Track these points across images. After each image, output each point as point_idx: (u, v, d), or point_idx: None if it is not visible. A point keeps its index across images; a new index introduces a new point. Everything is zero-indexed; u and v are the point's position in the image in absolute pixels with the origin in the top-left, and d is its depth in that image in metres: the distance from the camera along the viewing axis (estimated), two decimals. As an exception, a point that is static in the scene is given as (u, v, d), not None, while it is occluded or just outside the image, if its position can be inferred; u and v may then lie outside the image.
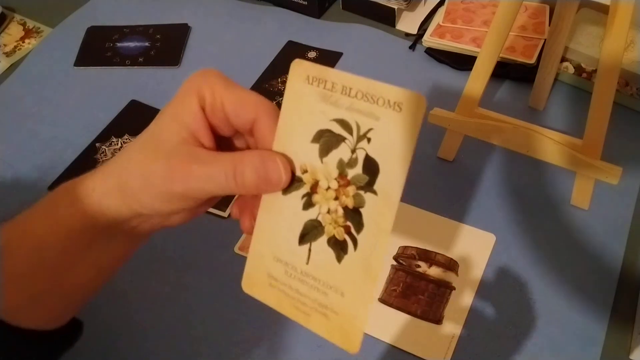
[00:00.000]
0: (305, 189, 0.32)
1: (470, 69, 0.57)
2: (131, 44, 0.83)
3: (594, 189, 0.60)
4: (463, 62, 0.75)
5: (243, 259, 0.35)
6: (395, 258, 0.59)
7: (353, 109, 0.30)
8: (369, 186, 0.30)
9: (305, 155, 0.31)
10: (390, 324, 0.54)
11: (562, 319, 0.54)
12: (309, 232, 0.32)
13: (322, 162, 0.31)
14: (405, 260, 0.58)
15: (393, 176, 0.29)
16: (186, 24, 0.85)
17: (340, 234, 0.31)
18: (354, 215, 0.30)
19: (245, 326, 0.55)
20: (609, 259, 0.58)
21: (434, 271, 0.57)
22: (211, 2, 0.88)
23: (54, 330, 0.38)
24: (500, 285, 0.56)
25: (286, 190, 0.32)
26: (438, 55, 0.77)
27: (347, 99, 0.30)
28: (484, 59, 0.56)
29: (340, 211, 0.31)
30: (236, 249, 0.60)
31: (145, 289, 0.58)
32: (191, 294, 0.57)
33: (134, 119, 0.74)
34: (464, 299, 0.56)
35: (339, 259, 0.31)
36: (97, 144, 0.71)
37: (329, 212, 0.31)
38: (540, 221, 0.61)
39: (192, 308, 0.57)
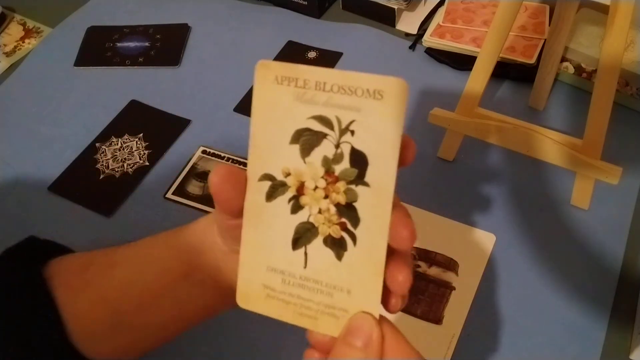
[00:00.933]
0: (291, 193, 0.30)
1: (470, 69, 0.57)
2: (131, 44, 0.83)
3: (594, 189, 0.60)
4: (463, 62, 0.75)
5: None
6: (395, 258, 0.58)
7: (331, 103, 0.29)
8: (359, 179, 0.29)
9: (286, 158, 0.30)
10: (390, 324, 0.54)
11: (562, 319, 0.54)
12: (302, 236, 0.31)
13: (305, 162, 0.30)
14: (405, 260, 0.58)
15: (384, 165, 0.29)
16: (186, 24, 0.85)
17: (337, 232, 0.30)
18: (347, 211, 0.30)
19: (245, 326, 0.55)
20: (609, 259, 0.58)
21: (434, 271, 0.57)
22: (211, 2, 0.88)
23: None
24: (500, 285, 0.56)
25: (270, 196, 0.31)
26: (438, 55, 0.77)
27: (323, 94, 0.29)
28: (484, 59, 0.56)
29: (333, 209, 0.30)
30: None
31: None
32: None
33: (134, 119, 0.74)
34: (464, 299, 0.56)
35: (339, 257, 0.30)
36: (97, 144, 0.71)
37: (320, 212, 0.30)
38: (540, 221, 0.61)
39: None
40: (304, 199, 0.30)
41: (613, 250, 0.58)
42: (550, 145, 0.57)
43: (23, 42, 0.85)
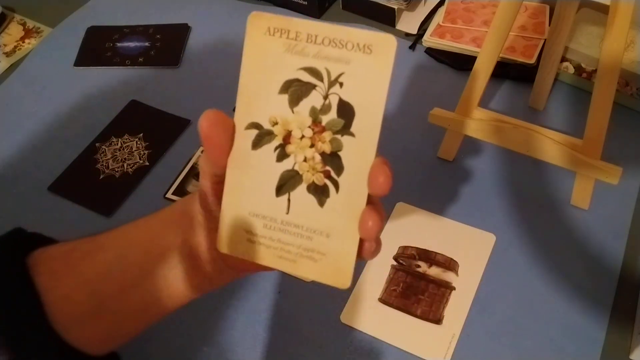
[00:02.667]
0: (277, 141, 0.31)
1: (470, 69, 0.57)
2: (131, 44, 0.83)
3: (594, 189, 0.60)
4: (463, 62, 0.74)
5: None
6: (395, 258, 0.59)
7: (321, 56, 0.30)
8: (345, 129, 0.30)
9: (274, 107, 0.31)
10: (390, 324, 0.54)
11: (562, 319, 0.54)
12: (286, 183, 0.32)
13: (293, 112, 0.31)
14: (405, 260, 0.58)
15: (370, 117, 0.30)
16: (186, 24, 0.85)
17: (320, 180, 0.31)
18: (332, 159, 0.31)
19: (245, 326, 0.55)
20: (609, 259, 0.58)
21: (434, 271, 0.57)
22: (211, 2, 0.88)
23: (93, 357, 0.38)
24: (500, 285, 0.57)
25: (256, 144, 0.32)
26: (438, 55, 0.77)
27: (314, 46, 0.30)
28: (484, 59, 0.56)
29: (318, 157, 0.31)
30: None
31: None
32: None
33: (134, 119, 0.74)
34: (464, 299, 0.56)
35: (321, 203, 0.31)
36: (97, 144, 0.71)
37: (305, 160, 0.31)
38: (540, 221, 0.61)
39: (192, 308, 0.56)
40: (289, 148, 0.31)
41: (613, 250, 0.58)
42: (550, 145, 0.57)
43: (23, 42, 0.85)
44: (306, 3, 0.84)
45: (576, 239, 0.59)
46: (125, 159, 0.69)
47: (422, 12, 0.83)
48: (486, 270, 0.57)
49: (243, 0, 0.88)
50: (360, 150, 0.30)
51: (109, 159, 0.69)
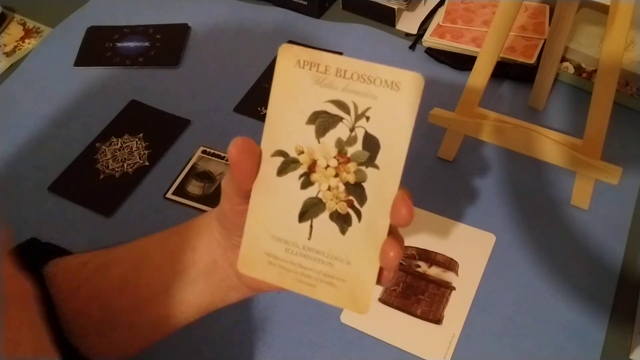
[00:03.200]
0: (302, 169, 0.32)
1: (470, 69, 0.57)
2: (131, 44, 0.83)
3: (594, 189, 0.60)
4: (463, 62, 0.74)
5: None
6: (395, 258, 0.58)
7: (349, 90, 0.31)
8: (370, 161, 0.31)
9: (301, 136, 0.32)
10: (390, 324, 0.54)
11: (562, 319, 0.54)
12: (309, 210, 0.33)
13: (319, 142, 0.32)
14: (405, 260, 0.58)
15: (395, 150, 0.31)
16: (186, 24, 0.85)
17: (343, 208, 0.32)
18: (355, 189, 0.32)
19: (245, 326, 0.55)
20: (609, 259, 0.58)
21: (434, 271, 0.57)
22: (211, 2, 0.88)
23: None
24: (500, 285, 0.56)
25: (281, 171, 0.33)
26: (438, 55, 0.77)
27: (343, 80, 0.31)
28: (484, 59, 0.56)
29: (342, 187, 0.32)
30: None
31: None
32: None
33: (134, 119, 0.74)
34: (464, 299, 0.56)
35: (343, 231, 0.32)
36: (97, 144, 0.71)
37: (329, 189, 0.32)
38: (540, 221, 0.61)
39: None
40: (314, 176, 0.32)
41: (613, 250, 0.58)
42: (550, 145, 0.57)
43: (23, 42, 0.85)
44: (306, 3, 0.84)
45: (576, 239, 0.59)
46: (125, 159, 0.69)
47: (422, 12, 0.83)
48: (486, 270, 0.57)
49: (243, 0, 0.88)
50: (384, 182, 0.31)
51: (109, 159, 0.69)
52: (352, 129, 0.31)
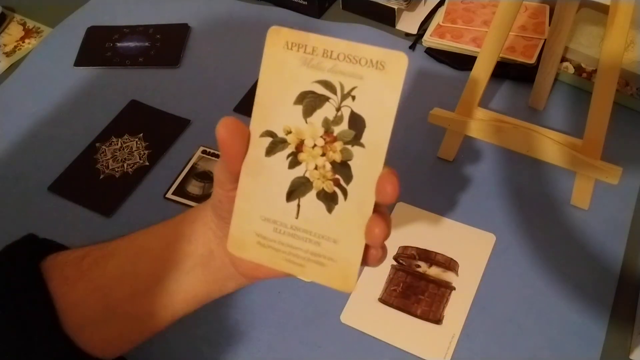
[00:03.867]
0: (290, 149, 0.33)
1: (470, 69, 0.57)
2: (131, 44, 0.83)
3: (594, 189, 0.60)
4: (463, 62, 0.74)
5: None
6: (395, 258, 0.59)
7: (336, 70, 0.31)
8: (356, 140, 0.32)
9: (288, 117, 0.32)
10: (390, 324, 0.54)
11: (562, 319, 0.54)
12: (297, 189, 0.33)
13: (306, 122, 0.32)
14: (405, 260, 0.58)
15: (380, 129, 0.31)
16: (186, 24, 0.85)
17: (330, 187, 0.32)
18: (342, 168, 0.32)
19: (245, 326, 0.55)
20: (608, 259, 0.58)
21: (434, 271, 0.57)
22: (211, 2, 0.88)
23: None
24: (500, 285, 0.56)
25: (270, 151, 0.33)
26: (438, 55, 0.77)
27: (330, 61, 0.31)
28: (484, 59, 0.56)
29: (328, 166, 0.32)
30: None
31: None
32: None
33: (134, 119, 0.74)
34: (464, 299, 0.56)
35: (330, 209, 0.33)
36: (97, 144, 0.71)
37: (316, 168, 0.33)
38: (540, 221, 0.61)
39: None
40: (301, 156, 0.33)
41: (613, 250, 0.58)
42: (550, 145, 0.57)
43: (23, 42, 0.85)
44: (306, 3, 0.84)
45: (576, 239, 0.59)
46: (125, 159, 0.69)
47: (422, 12, 0.83)
48: (486, 270, 0.57)
49: (243, 0, 0.88)
50: (370, 160, 0.31)
51: (109, 159, 0.69)
52: (338, 109, 0.32)
